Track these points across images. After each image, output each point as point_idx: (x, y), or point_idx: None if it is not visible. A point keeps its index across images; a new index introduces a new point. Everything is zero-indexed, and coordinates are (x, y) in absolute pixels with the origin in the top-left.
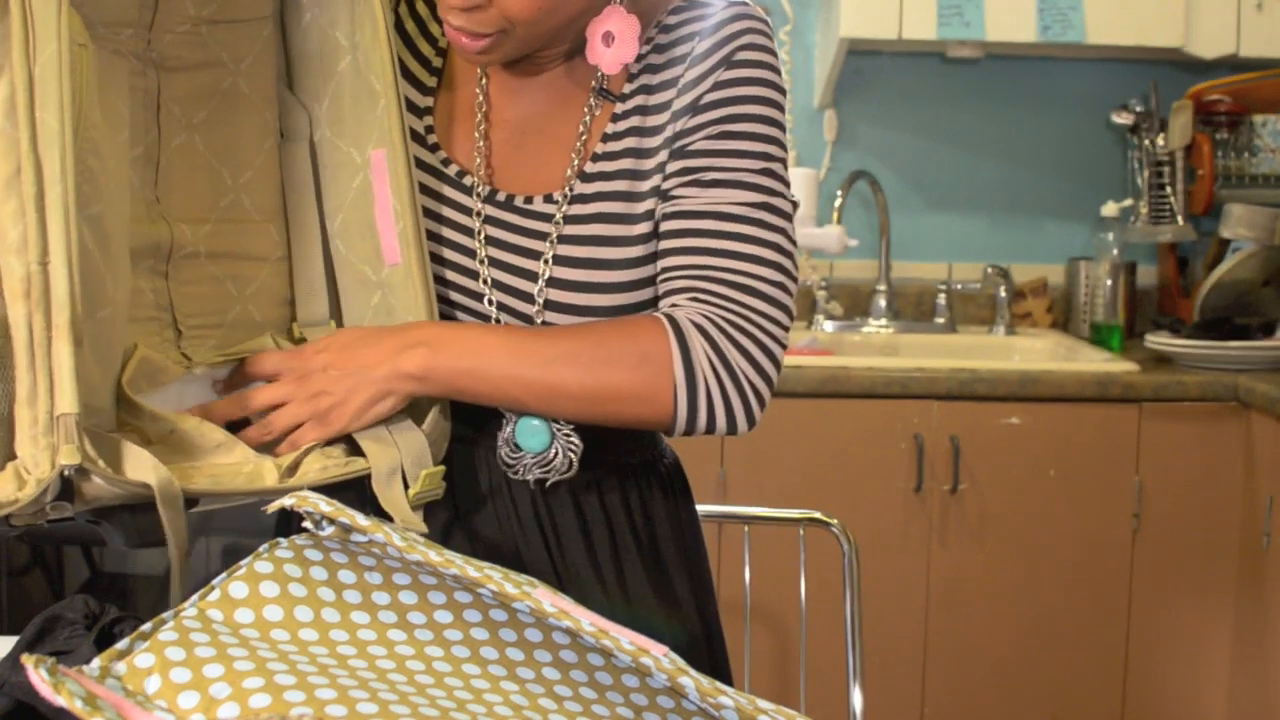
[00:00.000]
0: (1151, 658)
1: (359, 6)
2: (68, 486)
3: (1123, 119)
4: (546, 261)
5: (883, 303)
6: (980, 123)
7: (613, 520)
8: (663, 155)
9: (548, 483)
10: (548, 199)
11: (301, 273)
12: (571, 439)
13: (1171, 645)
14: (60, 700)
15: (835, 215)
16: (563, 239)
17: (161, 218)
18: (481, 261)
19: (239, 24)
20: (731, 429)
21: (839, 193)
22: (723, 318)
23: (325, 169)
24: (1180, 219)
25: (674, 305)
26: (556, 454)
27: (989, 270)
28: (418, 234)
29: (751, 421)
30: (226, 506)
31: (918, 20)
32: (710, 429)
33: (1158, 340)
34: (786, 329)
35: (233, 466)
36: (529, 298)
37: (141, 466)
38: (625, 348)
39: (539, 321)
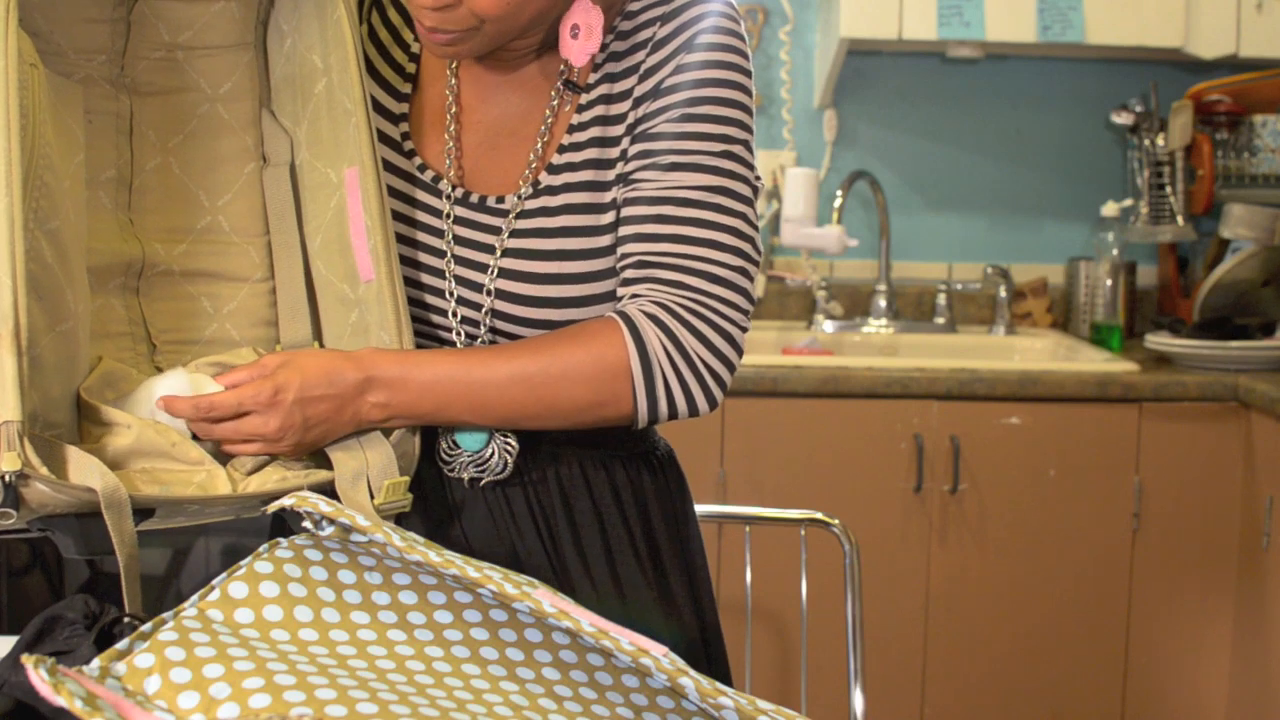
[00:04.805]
0: (1151, 658)
1: (329, 28)
2: (14, 494)
3: (1123, 119)
4: (499, 254)
5: (883, 303)
6: (980, 123)
7: (604, 515)
8: (626, 143)
9: (481, 482)
10: (518, 196)
11: (285, 295)
12: (509, 440)
13: (1171, 645)
14: (60, 700)
15: (835, 215)
16: (528, 232)
17: (134, 237)
18: (449, 262)
19: (216, 50)
20: (693, 413)
21: (839, 193)
22: (679, 304)
23: (305, 190)
24: (1180, 219)
25: (633, 295)
26: (493, 454)
27: (989, 270)
28: (388, 250)
29: (712, 404)
30: (196, 522)
31: (918, 20)
32: (672, 415)
33: (1158, 340)
34: (746, 312)
35: (184, 474)
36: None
37: (87, 472)
38: (579, 358)
39: (486, 310)
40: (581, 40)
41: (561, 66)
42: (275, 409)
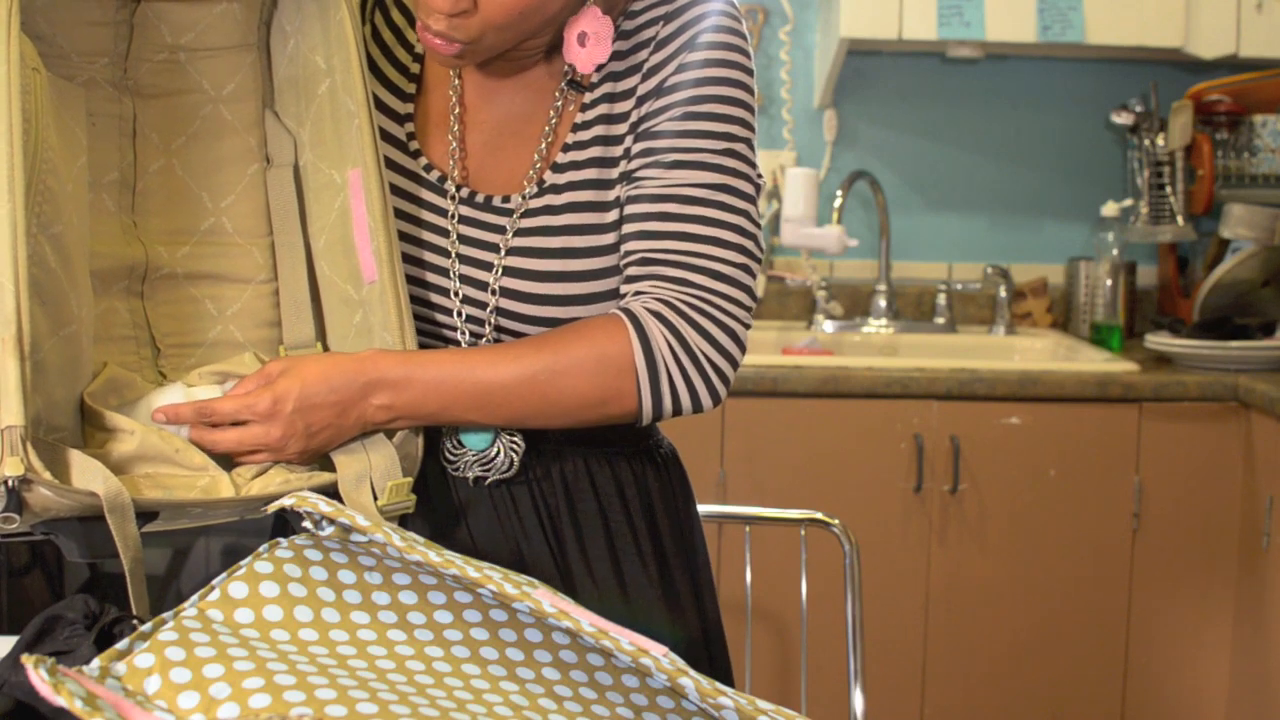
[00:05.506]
0: (1151, 658)
1: (332, 29)
2: (16, 498)
3: (1123, 119)
4: (504, 253)
5: (883, 303)
6: (980, 123)
7: (608, 512)
8: (629, 141)
9: (487, 481)
10: (522, 195)
11: (288, 296)
12: (514, 438)
13: (1171, 645)
14: (60, 700)
15: (835, 215)
16: (533, 231)
17: (137, 240)
18: (454, 262)
19: (219, 52)
20: (697, 409)
21: (839, 193)
22: (682, 301)
23: (309, 191)
24: (1180, 219)
25: (636, 292)
26: (498, 453)
27: (989, 270)
28: (390, 251)
29: (716, 400)
30: (199, 524)
31: (918, 20)
32: (676, 412)
33: (1158, 340)
34: (748, 309)
35: (188, 479)
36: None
37: (90, 476)
38: (583, 354)
39: (490, 309)
40: (590, 48)
41: (566, 67)
42: (275, 419)
